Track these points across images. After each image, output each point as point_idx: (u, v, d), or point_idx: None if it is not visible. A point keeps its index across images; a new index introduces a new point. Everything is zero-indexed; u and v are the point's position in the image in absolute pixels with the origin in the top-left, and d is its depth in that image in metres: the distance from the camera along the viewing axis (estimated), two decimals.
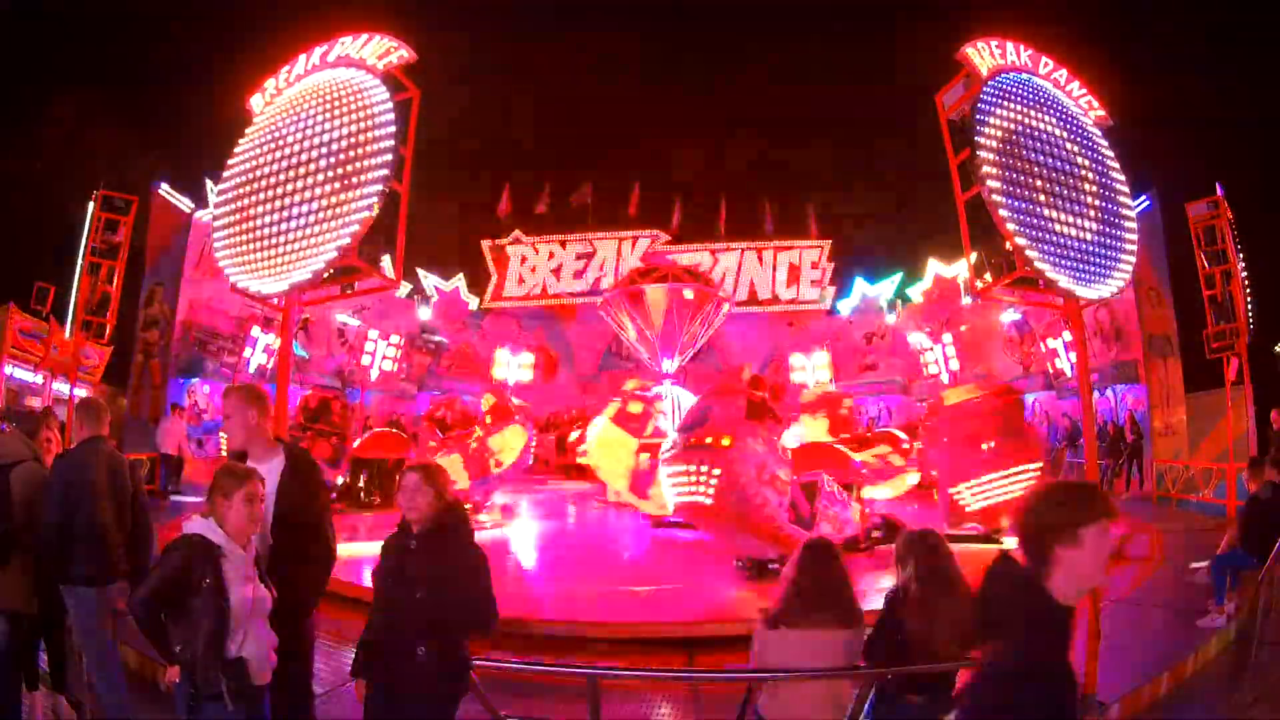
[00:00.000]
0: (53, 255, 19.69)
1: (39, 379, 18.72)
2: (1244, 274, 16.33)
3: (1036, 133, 6.79)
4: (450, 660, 4.03)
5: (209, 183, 20.17)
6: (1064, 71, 7.45)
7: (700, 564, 10.94)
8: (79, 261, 15.15)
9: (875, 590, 7.13)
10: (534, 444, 16.18)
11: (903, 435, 15.78)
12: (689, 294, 20.10)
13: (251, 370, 21.59)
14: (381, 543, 4.34)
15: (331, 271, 6.50)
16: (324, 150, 6.59)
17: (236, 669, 3.79)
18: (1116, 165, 7.27)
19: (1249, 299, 16.27)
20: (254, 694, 3.88)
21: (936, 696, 4.16)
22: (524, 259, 31.37)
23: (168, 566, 3.80)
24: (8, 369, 17.99)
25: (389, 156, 6.42)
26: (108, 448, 5.71)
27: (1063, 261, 6.47)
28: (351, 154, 6.48)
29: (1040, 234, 6.41)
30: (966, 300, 25.51)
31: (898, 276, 29.87)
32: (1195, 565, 9.36)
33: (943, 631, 4.03)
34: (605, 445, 16.10)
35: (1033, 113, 6.89)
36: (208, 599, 3.72)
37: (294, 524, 4.42)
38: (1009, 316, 24.95)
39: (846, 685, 4.22)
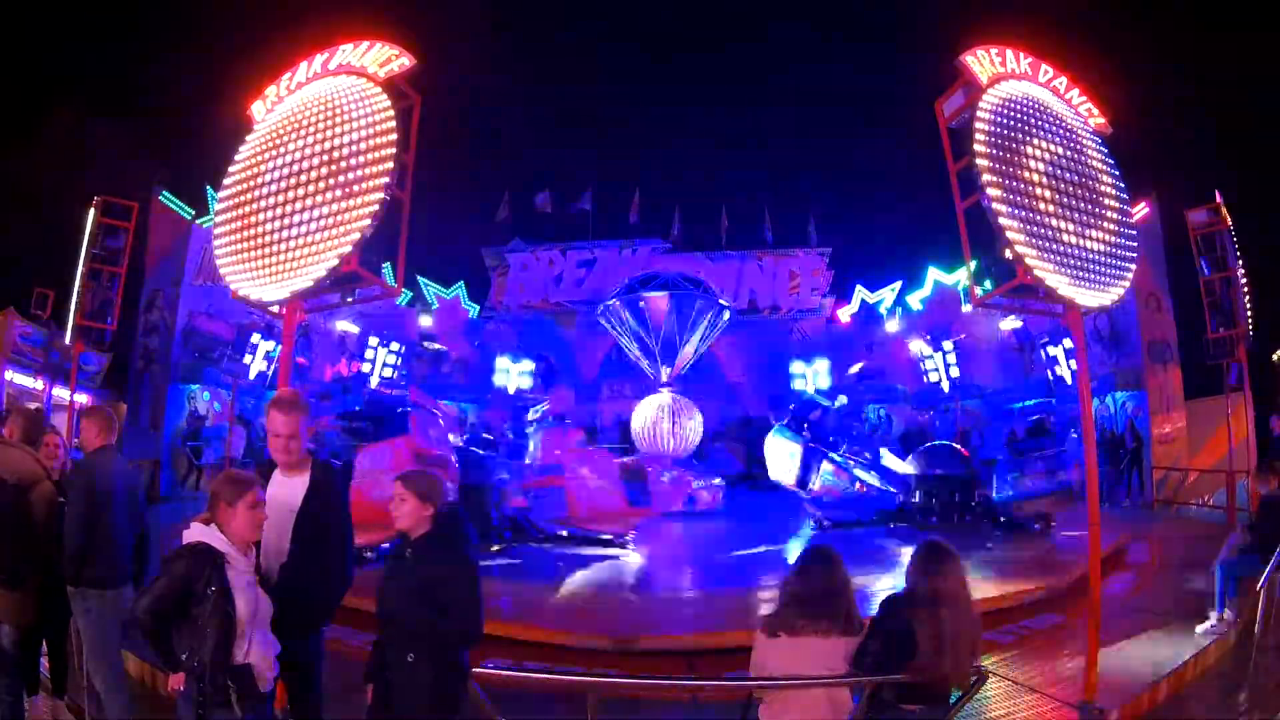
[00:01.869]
0: (53, 261, 19.73)
1: (39, 384, 18.76)
2: (1243, 280, 16.35)
3: (1036, 141, 6.80)
4: (444, 668, 4.04)
5: (209, 189, 20.21)
6: (1064, 79, 7.46)
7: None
8: (79, 267, 15.14)
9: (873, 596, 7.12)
10: None
11: None
12: (689, 302, 20.12)
13: (252, 377, 21.59)
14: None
15: (332, 279, 6.50)
16: (325, 158, 6.59)
17: (243, 675, 3.80)
18: (1117, 172, 7.28)
19: (1248, 305, 16.29)
20: (260, 700, 3.89)
21: (935, 706, 4.16)
22: (525, 267, 31.37)
23: (172, 575, 3.78)
24: (8, 374, 18.04)
25: (390, 164, 6.42)
26: (121, 457, 5.80)
27: (1063, 269, 6.47)
28: (353, 161, 6.47)
29: (1040, 242, 6.41)
30: (967, 308, 25.53)
31: (898, 284, 29.88)
32: (1196, 585, 9.37)
33: (942, 644, 4.03)
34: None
35: (1032, 121, 6.90)
36: (213, 606, 3.73)
37: (313, 539, 4.42)
38: (1009, 324, 24.97)
39: (846, 693, 4.22)
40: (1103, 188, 7.05)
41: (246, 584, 3.91)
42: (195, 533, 3.90)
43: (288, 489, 4.55)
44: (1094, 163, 7.14)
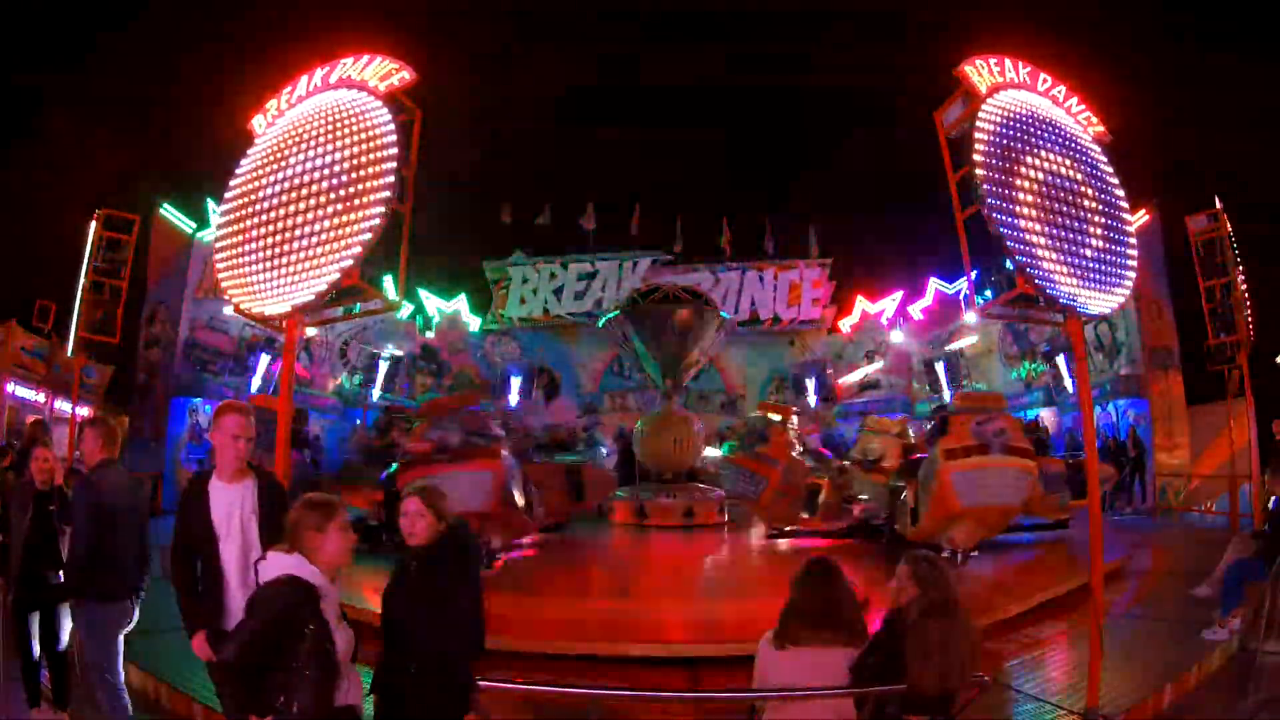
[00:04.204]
0: (55, 274, 19.75)
1: (40, 397, 18.78)
2: (1244, 286, 16.36)
3: (1036, 150, 6.81)
4: (447, 680, 4.03)
5: (210, 203, 20.27)
6: (1063, 87, 7.48)
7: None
8: (81, 280, 15.18)
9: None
10: None
11: None
12: (691, 314, 20.08)
13: (254, 390, 21.60)
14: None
15: (334, 293, 6.51)
16: (326, 172, 6.61)
17: (347, 718, 3.58)
18: (1116, 180, 7.29)
19: (1249, 311, 16.30)
20: None
21: (939, 717, 4.16)
22: (525, 279, 31.37)
23: (267, 614, 3.48)
24: (9, 387, 18.06)
25: (391, 178, 6.44)
26: (125, 470, 5.80)
27: (1063, 278, 6.48)
28: (353, 175, 6.49)
29: (1040, 250, 6.42)
30: (968, 317, 25.54)
31: (899, 294, 29.89)
32: (1199, 591, 9.34)
33: (936, 657, 4.03)
34: None
35: (1032, 130, 6.92)
36: (313, 646, 3.44)
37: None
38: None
39: (850, 704, 4.22)
40: (1102, 195, 7.06)
41: (337, 617, 3.63)
42: (282, 564, 3.57)
43: (235, 495, 4.63)
44: (1094, 170, 7.15)
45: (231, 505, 4.60)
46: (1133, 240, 7.18)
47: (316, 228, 6.48)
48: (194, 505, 4.63)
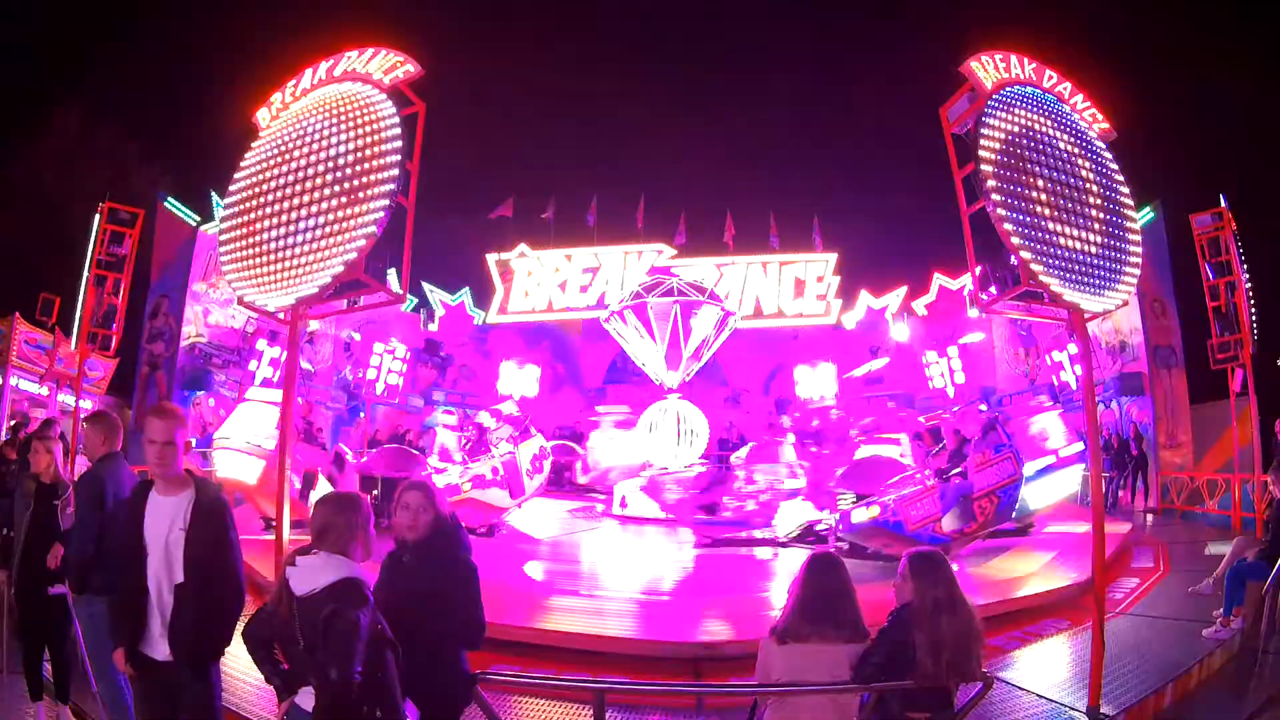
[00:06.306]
0: (58, 267, 19.79)
1: (44, 390, 18.78)
2: (1248, 285, 16.34)
3: (1041, 146, 6.80)
4: (445, 671, 4.04)
5: (215, 196, 20.29)
6: (1068, 84, 7.47)
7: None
8: (84, 273, 15.21)
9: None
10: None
11: None
12: (694, 308, 20.09)
13: (256, 383, 21.62)
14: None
15: (338, 286, 6.51)
16: (330, 165, 6.61)
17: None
18: (1121, 177, 7.27)
19: (1253, 310, 16.28)
20: None
21: (940, 713, 4.16)
22: (529, 273, 31.28)
23: (359, 629, 3.29)
24: (13, 380, 18.07)
25: (395, 171, 6.44)
26: (126, 465, 5.78)
27: (1068, 275, 6.47)
28: (358, 168, 6.50)
29: (1045, 247, 6.41)
30: (972, 313, 25.48)
31: (903, 290, 29.81)
32: (1200, 590, 9.33)
33: (945, 651, 4.03)
34: None
35: (1037, 126, 6.90)
36: (382, 648, 3.42)
37: (205, 565, 4.24)
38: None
39: (852, 700, 4.22)
40: (1107, 192, 7.05)
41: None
42: (338, 569, 3.46)
43: (168, 508, 4.30)
44: (1098, 167, 7.14)
45: (163, 519, 4.28)
46: (1137, 238, 7.17)
47: (320, 221, 6.49)
48: (129, 515, 4.35)
